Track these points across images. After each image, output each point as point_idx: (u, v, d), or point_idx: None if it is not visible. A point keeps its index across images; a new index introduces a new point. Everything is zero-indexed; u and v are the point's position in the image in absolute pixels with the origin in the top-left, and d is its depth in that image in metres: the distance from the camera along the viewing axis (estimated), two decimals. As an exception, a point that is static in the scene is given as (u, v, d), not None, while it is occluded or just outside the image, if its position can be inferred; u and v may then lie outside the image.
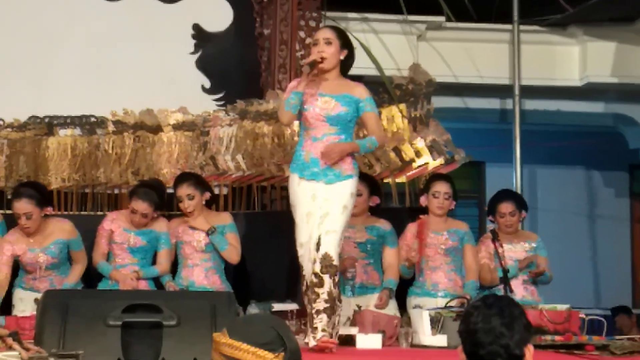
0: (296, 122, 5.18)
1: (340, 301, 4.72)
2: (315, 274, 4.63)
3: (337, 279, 4.67)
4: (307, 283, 4.68)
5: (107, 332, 3.81)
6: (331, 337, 4.59)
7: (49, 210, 5.48)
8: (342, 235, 4.74)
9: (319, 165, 4.77)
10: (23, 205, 5.36)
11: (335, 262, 4.66)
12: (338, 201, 4.72)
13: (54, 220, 5.58)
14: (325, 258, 4.63)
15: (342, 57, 4.86)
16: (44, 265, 5.46)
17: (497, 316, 2.47)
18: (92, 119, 6.46)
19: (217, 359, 2.27)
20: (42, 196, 5.45)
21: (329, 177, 4.76)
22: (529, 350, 2.48)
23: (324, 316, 4.58)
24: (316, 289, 4.63)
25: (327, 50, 4.82)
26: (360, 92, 4.87)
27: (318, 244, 4.66)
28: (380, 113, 6.43)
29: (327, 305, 4.60)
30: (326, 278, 4.62)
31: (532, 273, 5.72)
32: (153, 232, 5.61)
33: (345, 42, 4.90)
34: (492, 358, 2.45)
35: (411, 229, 5.70)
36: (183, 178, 5.74)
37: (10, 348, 3.21)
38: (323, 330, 4.55)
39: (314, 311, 4.59)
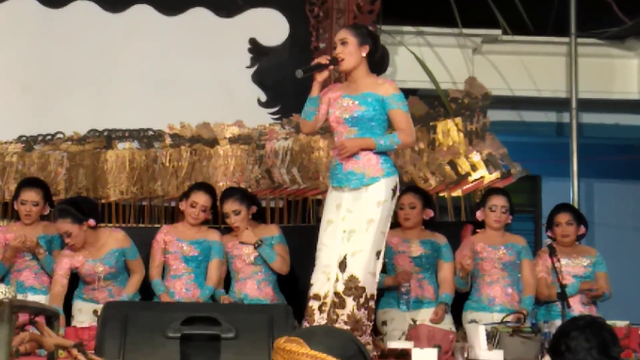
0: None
1: (371, 320, 4.63)
2: (337, 294, 4.55)
3: (362, 300, 4.55)
4: (327, 301, 4.59)
5: (166, 344, 3.85)
6: None
7: (91, 222, 5.44)
8: (374, 252, 4.57)
9: (342, 170, 4.66)
10: (60, 225, 5.41)
11: (362, 284, 4.53)
12: (362, 215, 4.58)
13: (106, 230, 5.64)
14: (351, 280, 4.53)
15: (363, 54, 4.68)
16: (103, 275, 5.52)
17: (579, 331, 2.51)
18: (150, 133, 6.54)
19: None
20: (79, 211, 5.41)
21: (352, 182, 4.63)
22: None
23: None
24: (337, 310, 4.55)
25: (343, 51, 4.66)
26: (386, 89, 4.66)
27: (343, 264, 4.56)
28: (435, 126, 6.46)
29: (347, 327, 4.50)
30: (349, 300, 4.54)
31: (590, 295, 5.65)
32: (206, 242, 5.64)
33: (364, 39, 4.69)
34: None
35: (468, 242, 5.67)
36: (228, 194, 5.72)
37: (75, 359, 3.26)
38: None
39: None
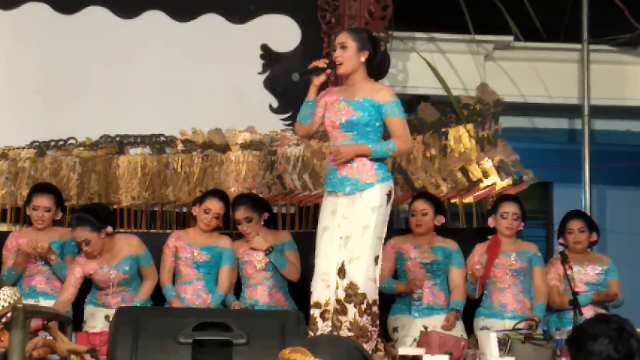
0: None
1: (376, 325, 4.62)
2: (338, 301, 4.54)
3: (364, 307, 4.53)
4: (329, 309, 4.59)
5: (178, 349, 3.86)
6: None
7: (109, 229, 5.45)
8: (372, 257, 4.56)
9: (337, 175, 4.64)
10: (78, 233, 5.40)
11: (362, 291, 4.52)
12: (357, 220, 4.56)
13: (121, 236, 5.65)
14: (351, 287, 4.52)
15: (362, 59, 4.66)
16: (116, 281, 5.52)
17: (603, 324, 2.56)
18: (162, 138, 6.56)
19: None
20: (97, 219, 5.41)
21: (347, 187, 4.61)
22: None
23: None
24: (340, 317, 4.55)
25: (342, 55, 4.63)
26: (383, 95, 4.64)
27: (342, 271, 4.55)
28: (447, 133, 6.46)
29: (351, 334, 4.50)
30: (350, 307, 4.53)
31: (602, 295, 5.63)
32: (217, 248, 5.64)
33: (364, 44, 4.66)
34: None
35: (479, 249, 5.66)
36: (240, 201, 5.71)
37: (86, 364, 3.27)
38: None
39: None
